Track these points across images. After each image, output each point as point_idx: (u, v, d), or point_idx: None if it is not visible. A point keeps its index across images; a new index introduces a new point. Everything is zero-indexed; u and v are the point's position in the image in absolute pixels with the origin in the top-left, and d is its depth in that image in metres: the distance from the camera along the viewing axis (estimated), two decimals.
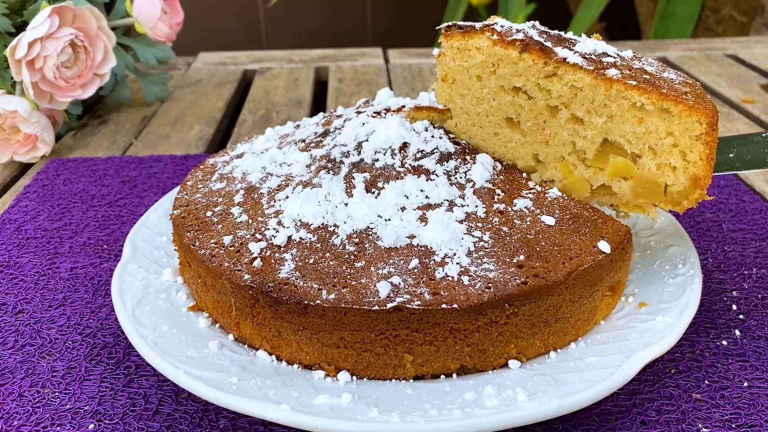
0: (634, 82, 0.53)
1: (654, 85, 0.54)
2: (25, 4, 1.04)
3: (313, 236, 0.54)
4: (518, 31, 0.58)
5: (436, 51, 0.63)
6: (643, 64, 0.58)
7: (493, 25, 0.60)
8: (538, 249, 0.52)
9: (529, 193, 0.58)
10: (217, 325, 0.57)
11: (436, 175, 0.58)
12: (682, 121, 0.53)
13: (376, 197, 0.56)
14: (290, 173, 0.61)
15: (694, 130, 0.53)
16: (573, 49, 0.57)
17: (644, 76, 0.55)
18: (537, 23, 0.61)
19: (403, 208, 0.55)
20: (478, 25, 0.60)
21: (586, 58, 0.56)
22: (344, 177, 0.58)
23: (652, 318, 0.55)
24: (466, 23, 0.61)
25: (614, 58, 0.57)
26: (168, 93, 1.26)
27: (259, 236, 0.55)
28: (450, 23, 0.61)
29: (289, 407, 0.46)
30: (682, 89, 0.54)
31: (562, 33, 0.61)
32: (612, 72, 0.54)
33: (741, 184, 0.87)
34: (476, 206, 0.56)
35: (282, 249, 0.53)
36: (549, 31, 0.60)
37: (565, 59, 0.56)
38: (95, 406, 0.53)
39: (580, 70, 0.55)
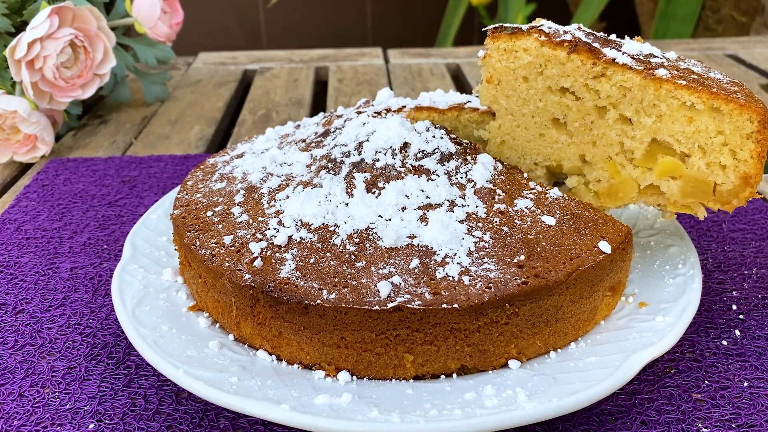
0: (684, 82, 0.53)
1: (703, 84, 0.54)
2: (25, 4, 1.04)
3: (314, 236, 0.54)
4: (565, 32, 0.59)
5: (481, 52, 0.62)
6: (689, 64, 0.58)
7: (540, 26, 0.60)
8: (538, 249, 0.52)
9: (530, 193, 0.58)
10: (218, 325, 0.57)
11: (436, 175, 0.58)
12: (732, 120, 0.53)
13: (376, 197, 0.56)
14: (291, 173, 0.61)
15: (745, 129, 0.52)
16: (621, 50, 0.57)
17: (692, 75, 0.55)
18: (582, 26, 0.61)
19: (403, 208, 0.55)
20: (524, 26, 0.60)
21: (634, 58, 0.56)
22: (345, 177, 0.58)
23: (652, 318, 0.55)
24: (513, 25, 0.61)
25: (661, 58, 0.57)
26: (168, 93, 1.26)
27: (259, 236, 0.55)
28: (497, 25, 0.62)
29: (289, 407, 0.46)
30: (731, 88, 0.54)
31: (606, 35, 0.61)
32: (661, 72, 0.54)
33: None
34: (477, 206, 0.56)
35: (282, 249, 0.53)
36: (595, 33, 0.61)
37: (614, 60, 0.56)
38: (95, 406, 0.53)
39: (629, 70, 0.55)
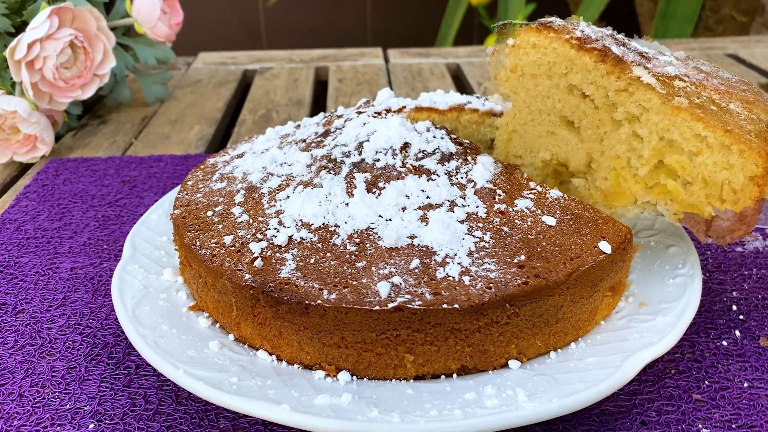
0: (701, 114, 0.54)
1: (720, 119, 0.54)
2: (25, 4, 1.03)
3: (314, 236, 0.54)
4: (598, 39, 0.59)
5: (511, 41, 0.62)
6: (711, 92, 0.57)
7: (573, 26, 0.60)
8: (539, 249, 0.52)
9: (530, 193, 0.58)
10: (218, 325, 0.57)
11: (437, 175, 0.58)
12: (740, 160, 0.53)
13: (377, 197, 0.56)
14: (291, 173, 0.61)
15: (749, 171, 0.53)
16: (648, 67, 0.57)
17: (712, 107, 0.55)
18: (615, 33, 0.61)
19: (404, 208, 0.55)
20: (558, 22, 0.60)
21: (659, 79, 0.56)
22: (345, 177, 0.58)
23: (652, 318, 0.55)
24: (547, 19, 0.61)
25: (686, 83, 0.57)
26: (168, 93, 1.26)
27: (259, 236, 0.55)
28: (505, 22, 0.62)
29: (290, 407, 0.46)
30: (747, 127, 0.54)
31: (640, 46, 0.61)
32: (681, 100, 0.55)
33: None
34: (477, 206, 0.56)
35: (283, 249, 0.53)
36: (627, 42, 0.60)
37: (639, 78, 0.56)
38: (95, 406, 0.53)
39: (651, 91, 0.55)
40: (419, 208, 0.55)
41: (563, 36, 0.59)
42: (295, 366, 0.52)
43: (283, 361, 0.53)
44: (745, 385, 0.54)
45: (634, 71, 0.56)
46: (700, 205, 0.56)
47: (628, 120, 0.57)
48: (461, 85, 1.41)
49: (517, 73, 0.63)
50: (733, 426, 0.50)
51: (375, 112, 0.66)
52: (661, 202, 0.58)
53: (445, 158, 0.59)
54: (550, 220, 0.55)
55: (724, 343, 0.58)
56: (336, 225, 0.54)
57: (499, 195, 0.57)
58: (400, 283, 0.49)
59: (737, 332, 0.60)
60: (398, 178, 0.57)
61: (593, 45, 0.58)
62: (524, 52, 0.61)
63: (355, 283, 0.50)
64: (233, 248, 0.54)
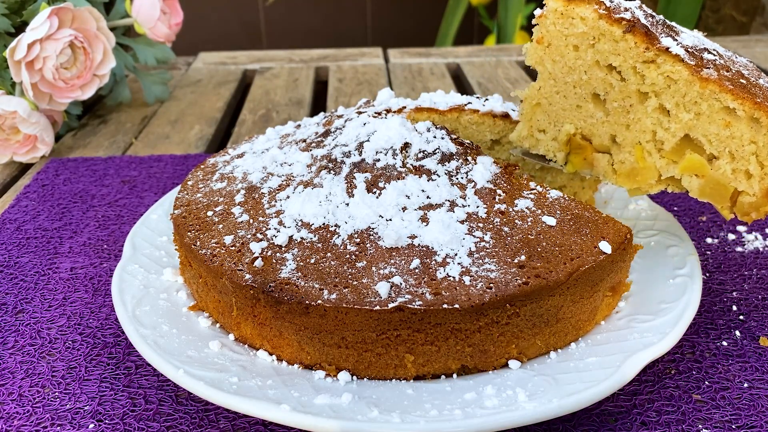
0: (731, 86, 0.53)
1: (749, 92, 0.53)
2: (25, 4, 1.03)
3: (315, 236, 0.54)
4: (626, 9, 0.58)
5: (538, 11, 0.61)
6: (740, 67, 0.57)
7: None
8: (539, 249, 0.52)
9: (530, 193, 0.58)
10: (218, 325, 0.57)
11: (437, 175, 0.58)
12: None
13: (377, 197, 0.56)
14: (291, 173, 0.61)
15: None
16: (677, 40, 0.56)
17: (741, 80, 0.55)
18: (643, 5, 0.60)
19: (404, 209, 0.55)
20: None
21: (688, 51, 0.55)
22: (345, 177, 0.58)
23: (652, 318, 0.55)
24: None
25: (714, 56, 0.56)
26: (168, 93, 1.26)
27: (260, 236, 0.55)
28: None
29: (290, 407, 0.46)
30: None
31: (667, 21, 0.61)
32: (710, 71, 0.54)
33: None
34: (477, 206, 0.56)
35: (283, 249, 0.53)
36: (655, 15, 0.60)
37: (667, 48, 0.55)
38: (95, 406, 0.53)
39: (680, 62, 0.55)
40: (419, 208, 0.55)
41: (592, 5, 0.58)
42: (295, 366, 0.52)
43: (284, 361, 0.53)
44: (746, 385, 0.54)
45: (662, 42, 0.55)
46: (726, 180, 0.55)
47: (655, 92, 0.57)
48: (461, 85, 1.41)
49: (544, 44, 0.61)
50: (733, 426, 0.50)
51: (375, 112, 0.66)
52: (686, 177, 0.57)
53: (446, 158, 0.59)
54: (551, 220, 0.55)
55: (724, 343, 0.58)
56: (336, 225, 0.54)
57: (500, 195, 0.57)
58: (401, 283, 0.49)
59: (737, 332, 0.60)
60: (398, 178, 0.57)
61: (622, 15, 0.57)
62: (551, 22, 0.60)
63: (355, 283, 0.50)
64: (233, 248, 0.54)
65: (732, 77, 0.54)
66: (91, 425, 0.51)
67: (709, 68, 0.54)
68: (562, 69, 0.61)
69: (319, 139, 0.64)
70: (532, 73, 1.42)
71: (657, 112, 0.57)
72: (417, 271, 0.50)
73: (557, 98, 0.62)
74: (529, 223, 0.55)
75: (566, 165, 0.64)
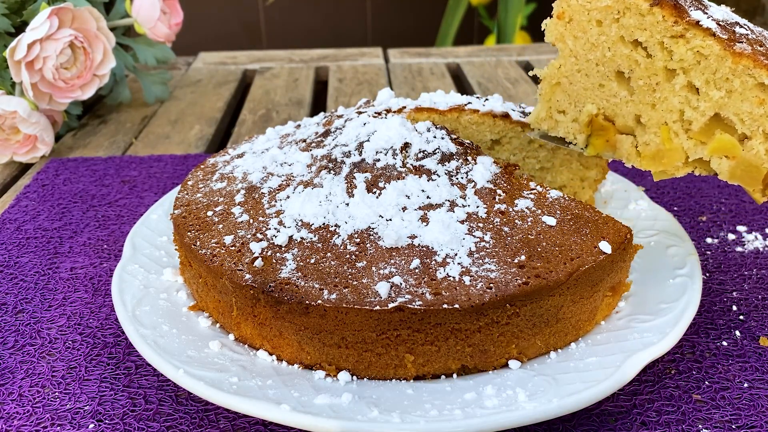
0: (766, 61, 0.50)
1: None
2: (25, 4, 1.03)
3: (315, 236, 0.54)
4: None
5: None
6: None
7: None
8: (539, 249, 0.52)
9: (530, 193, 0.58)
10: (218, 325, 0.57)
11: (437, 175, 0.58)
12: None
13: (377, 197, 0.56)
14: (291, 173, 0.61)
15: None
16: (707, 13, 0.53)
17: None
18: None
19: (404, 209, 0.55)
20: None
21: (720, 24, 0.52)
22: (345, 177, 0.58)
23: (652, 318, 0.55)
24: None
25: (746, 30, 0.53)
26: (168, 93, 1.26)
27: (260, 236, 0.55)
28: None
29: (290, 407, 0.46)
30: None
31: None
32: (743, 46, 0.51)
33: None
34: (477, 206, 0.56)
35: (283, 249, 0.53)
36: None
37: (698, 22, 0.52)
38: (95, 406, 0.53)
39: (711, 36, 0.52)
40: (419, 208, 0.55)
41: None
42: (296, 366, 0.52)
43: (284, 361, 0.53)
44: (745, 385, 0.54)
45: (692, 15, 0.52)
46: (759, 161, 0.52)
47: (683, 69, 0.54)
48: (461, 84, 1.41)
49: (564, 19, 0.59)
50: (733, 426, 0.50)
51: (375, 112, 0.66)
52: (715, 159, 0.54)
53: (446, 158, 0.59)
54: (551, 220, 0.55)
55: (724, 343, 0.58)
56: (336, 225, 0.54)
57: (500, 195, 0.57)
58: (401, 283, 0.49)
59: (737, 332, 0.60)
60: (398, 178, 0.57)
61: None
62: None
63: (355, 283, 0.50)
64: (233, 248, 0.54)
65: (766, 52, 0.51)
66: (91, 425, 0.51)
67: (742, 42, 0.51)
68: (584, 46, 0.59)
69: (319, 139, 0.64)
70: None
71: (685, 90, 0.54)
72: (417, 271, 0.50)
73: (578, 77, 0.60)
74: (529, 223, 0.55)
75: (587, 148, 0.62)
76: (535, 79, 0.58)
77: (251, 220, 0.57)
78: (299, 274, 0.51)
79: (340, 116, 0.67)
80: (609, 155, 0.61)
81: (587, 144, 0.62)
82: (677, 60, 0.54)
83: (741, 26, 0.53)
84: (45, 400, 0.53)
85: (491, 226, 0.54)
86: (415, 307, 0.48)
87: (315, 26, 2.70)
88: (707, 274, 0.68)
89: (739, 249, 0.73)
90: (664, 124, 0.56)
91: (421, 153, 0.59)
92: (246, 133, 1.11)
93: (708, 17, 0.52)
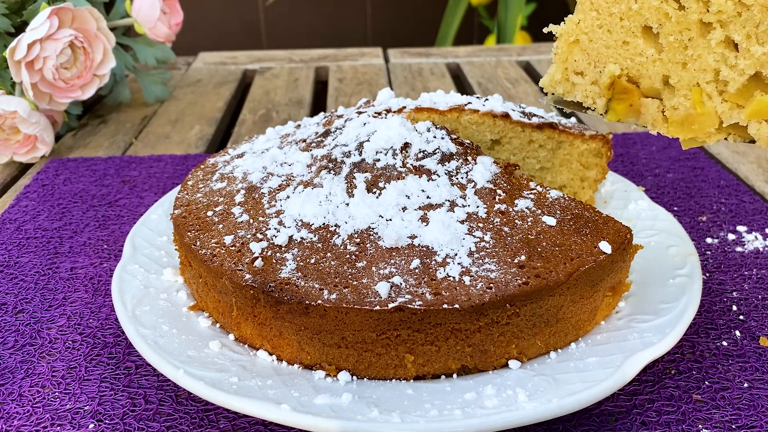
0: None
1: None
2: (25, 4, 1.03)
3: (315, 236, 0.54)
4: None
5: None
6: None
7: None
8: (539, 249, 0.52)
9: (530, 193, 0.58)
10: (218, 325, 0.57)
11: (437, 175, 0.58)
12: None
13: (377, 197, 0.56)
14: (291, 173, 0.61)
15: None
16: None
17: None
18: None
19: (404, 209, 0.55)
20: None
21: None
22: (345, 177, 0.58)
23: (652, 318, 0.55)
24: None
25: None
26: (168, 93, 1.26)
27: (260, 236, 0.55)
28: None
29: (290, 407, 0.46)
30: None
31: None
32: None
33: (741, 184, 0.87)
34: (477, 206, 0.56)
35: (283, 249, 0.53)
36: None
37: None
38: (95, 406, 0.53)
39: None
40: (419, 208, 0.55)
41: None
42: (296, 366, 0.52)
43: (284, 361, 0.53)
44: (746, 385, 0.54)
45: None
46: None
47: (721, 23, 0.48)
48: (461, 85, 1.41)
49: None
50: (734, 426, 0.50)
51: (375, 112, 0.66)
52: (754, 123, 0.49)
53: (446, 158, 0.59)
54: (551, 220, 0.55)
55: (724, 343, 0.58)
56: (336, 225, 0.54)
57: (500, 195, 0.57)
58: (401, 283, 0.50)
59: (737, 332, 0.60)
60: (398, 178, 0.57)
61: None
62: None
63: (355, 283, 0.50)
64: (233, 248, 0.54)
65: None
66: (91, 425, 0.51)
67: None
68: None
69: (319, 139, 0.64)
70: (532, 74, 1.42)
71: (722, 46, 0.49)
72: (417, 271, 0.50)
73: (600, 33, 0.54)
74: (529, 223, 0.55)
75: (607, 113, 0.56)
76: (548, 37, 0.50)
77: (251, 220, 0.57)
78: (299, 274, 0.51)
79: (340, 116, 0.67)
80: (632, 121, 0.56)
81: (608, 109, 0.57)
82: (715, 12, 0.48)
83: None
84: (45, 400, 0.53)
85: (491, 226, 0.54)
86: (415, 307, 0.48)
87: (315, 26, 2.70)
88: (707, 274, 0.68)
89: (739, 249, 0.73)
90: (696, 85, 0.51)
91: (421, 153, 0.59)
92: (246, 133, 1.11)
93: None
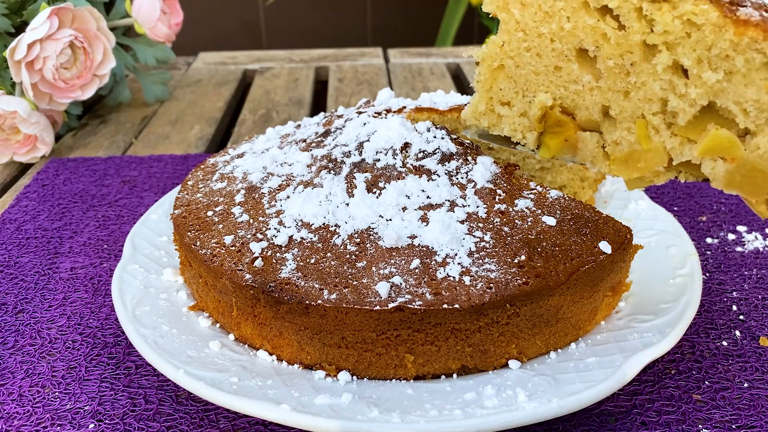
0: None
1: None
2: (25, 4, 1.03)
3: (315, 236, 0.54)
4: None
5: None
6: None
7: None
8: (539, 249, 0.52)
9: (530, 193, 0.58)
10: (218, 325, 0.57)
11: (437, 175, 0.58)
12: None
13: (377, 197, 0.56)
14: (291, 173, 0.61)
15: None
16: None
17: None
18: None
19: (404, 209, 0.55)
20: None
21: None
22: (345, 177, 0.58)
23: (652, 318, 0.55)
24: None
25: None
26: (168, 93, 1.26)
27: (260, 236, 0.55)
28: None
29: (290, 407, 0.46)
30: None
31: None
32: (749, 11, 0.39)
33: None
34: (477, 206, 0.55)
35: (283, 249, 0.53)
36: None
37: None
38: (95, 406, 0.53)
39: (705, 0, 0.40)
40: (419, 208, 0.55)
41: None
42: (296, 366, 0.52)
43: (284, 361, 0.53)
44: (746, 385, 0.54)
45: None
46: (766, 163, 0.41)
47: (667, 45, 0.42)
48: (461, 85, 1.41)
49: None
50: (734, 426, 0.50)
51: (375, 112, 0.66)
52: (708, 161, 0.42)
53: (446, 158, 0.59)
54: (551, 220, 0.55)
55: (724, 343, 0.58)
56: (336, 225, 0.54)
57: (500, 195, 0.57)
58: (401, 283, 0.49)
59: (737, 332, 0.60)
60: (398, 178, 0.57)
61: None
62: None
63: (355, 283, 0.50)
64: (233, 248, 0.54)
65: None
66: (91, 425, 0.51)
67: (745, 5, 0.39)
68: (535, 16, 0.46)
69: (319, 139, 0.64)
70: None
71: (669, 72, 0.42)
72: (417, 271, 0.50)
73: (528, 57, 0.47)
74: (529, 223, 0.55)
75: (539, 149, 0.49)
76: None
77: (251, 220, 0.57)
78: (299, 274, 0.51)
79: (340, 116, 0.67)
80: (568, 158, 0.49)
81: (540, 144, 0.49)
82: (660, 32, 0.42)
83: None
84: (45, 400, 0.53)
85: (491, 226, 0.54)
86: (415, 307, 0.48)
87: (315, 26, 2.70)
88: (707, 274, 0.68)
89: (739, 249, 0.73)
90: (640, 117, 0.44)
91: (421, 153, 0.59)
92: (246, 133, 1.11)
93: None
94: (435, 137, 0.61)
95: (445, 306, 0.48)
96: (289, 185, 0.59)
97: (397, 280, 0.50)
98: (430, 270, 0.50)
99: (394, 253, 0.52)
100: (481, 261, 0.51)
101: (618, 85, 0.44)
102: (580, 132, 0.47)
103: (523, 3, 0.46)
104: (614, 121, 0.45)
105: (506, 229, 0.54)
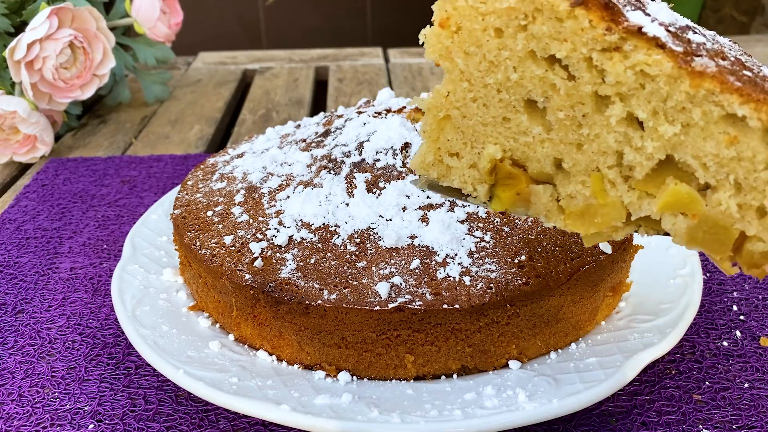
0: (736, 82, 0.36)
1: (763, 90, 0.36)
2: (25, 4, 1.03)
3: (315, 236, 0.54)
4: None
5: None
6: (734, 53, 0.41)
7: None
8: (539, 249, 0.52)
9: None
10: (218, 325, 0.57)
11: None
12: None
13: (377, 197, 0.56)
14: (291, 173, 0.61)
15: None
16: (649, 15, 0.39)
17: (744, 72, 0.38)
18: None
19: (404, 208, 0.55)
20: None
21: (669, 31, 0.38)
22: (345, 177, 0.58)
23: (653, 318, 0.55)
24: None
25: (702, 37, 0.39)
26: (168, 93, 1.26)
27: (260, 236, 0.55)
28: None
29: (290, 407, 0.46)
30: None
31: None
32: (705, 61, 0.37)
33: None
34: (477, 206, 0.55)
35: (283, 249, 0.53)
36: None
37: (640, 29, 0.37)
38: (95, 406, 0.53)
39: (659, 49, 0.37)
40: (420, 208, 0.55)
41: None
42: (295, 366, 0.52)
43: (283, 362, 0.53)
44: (746, 385, 0.54)
45: (631, 19, 0.38)
46: (728, 220, 0.38)
47: (620, 96, 0.39)
48: None
49: (450, 27, 0.42)
50: (734, 427, 0.50)
51: (375, 112, 0.66)
52: (668, 217, 0.40)
53: None
54: None
55: (725, 343, 0.58)
56: (336, 225, 0.54)
57: None
58: (401, 284, 0.49)
59: (738, 332, 0.60)
60: (399, 178, 0.57)
61: None
62: None
63: (355, 283, 0.50)
64: (233, 248, 0.54)
65: (733, 69, 0.37)
66: (91, 425, 0.51)
67: (701, 56, 0.37)
68: (480, 65, 0.42)
69: (319, 139, 0.64)
70: None
71: (624, 124, 0.40)
72: (417, 271, 0.50)
73: (474, 108, 0.44)
74: (530, 223, 0.55)
75: (491, 202, 0.46)
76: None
77: (251, 220, 0.57)
78: (299, 274, 0.51)
79: (340, 116, 0.67)
80: (521, 212, 0.45)
81: (492, 196, 0.46)
82: (612, 83, 0.39)
83: (695, 31, 0.39)
84: (45, 400, 0.53)
85: (491, 226, 0.54)
86: (415, 307, 0.48)
87: (315, 26, 2.70)
88: (707, 274, 0.68)
89: None
90: (595, 170, 0.42)
91: None
92: (246, 133, 1.11)
93: (652, 20, 0.38)
94: None
95: (445, 306, 0.48)
96: (289, 185, 0.59)
97: (397, 280, 0.50)
98: (430, 270, 0.50)
99: (394, 253, 0.52)
100: (481, 261, 0.51)
101: (570, 137, 0.42)
102: (532, 185, 0.44)
103: (467, 52, 0.43)
104: (568, 174, 0.43)
105: (506, 229, 0.54)
